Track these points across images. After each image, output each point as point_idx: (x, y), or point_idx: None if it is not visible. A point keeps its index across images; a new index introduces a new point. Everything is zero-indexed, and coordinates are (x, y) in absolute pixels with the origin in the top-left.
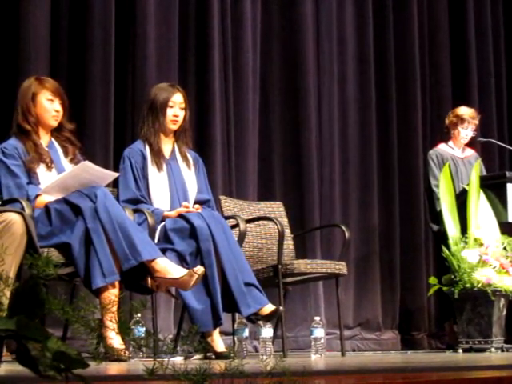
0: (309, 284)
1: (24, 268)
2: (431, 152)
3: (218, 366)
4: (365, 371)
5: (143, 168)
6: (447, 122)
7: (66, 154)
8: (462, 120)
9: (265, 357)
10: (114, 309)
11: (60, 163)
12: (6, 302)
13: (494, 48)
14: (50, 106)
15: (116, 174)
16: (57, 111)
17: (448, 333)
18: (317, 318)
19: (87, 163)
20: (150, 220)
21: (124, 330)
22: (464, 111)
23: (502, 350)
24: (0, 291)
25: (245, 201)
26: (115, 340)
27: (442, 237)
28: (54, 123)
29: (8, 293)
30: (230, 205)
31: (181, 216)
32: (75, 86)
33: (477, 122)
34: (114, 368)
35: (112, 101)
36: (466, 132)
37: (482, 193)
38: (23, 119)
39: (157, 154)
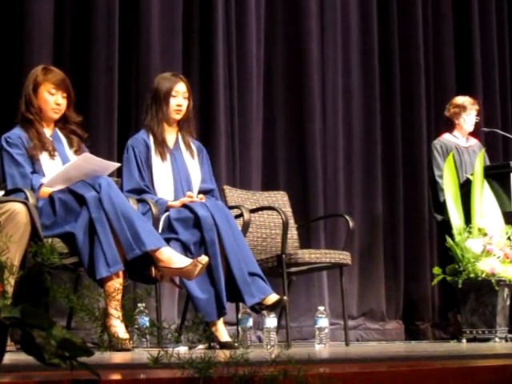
0: (313, 274)
1: (28, 257)
2: (435, 142)
3: (223, 354)
4: (369, 360)
5: (147, 158)
6: (448, 114)
7: (70, 145)
8: (464, 108)
9: (269, 346)
10: (119, 297)
11: (64, 153)
12: (10, 290)
13: (498, 38)
14: (50, 99)
15: (117, 165)
16: (58, 104)
17: (452, 323)
18: (321, 308)
19: (88, 155)
20: (154, 210)
21: (128, 319)
22: (463, 99)
23: (506, 340)
24: (5, 279)
25: (249, 191)
26: (120, 328)
27: (445, 227)
28: (55, 116)
29: (12, 281)
30: (233, 195)
31: (185, 206)
32: (79, 75)
33: (477, 106)
34: (118, 357)
35: (116, 91)
36: (470, 118)
37: (485, 183)
38: (26, 109)
39: (160, 143)
